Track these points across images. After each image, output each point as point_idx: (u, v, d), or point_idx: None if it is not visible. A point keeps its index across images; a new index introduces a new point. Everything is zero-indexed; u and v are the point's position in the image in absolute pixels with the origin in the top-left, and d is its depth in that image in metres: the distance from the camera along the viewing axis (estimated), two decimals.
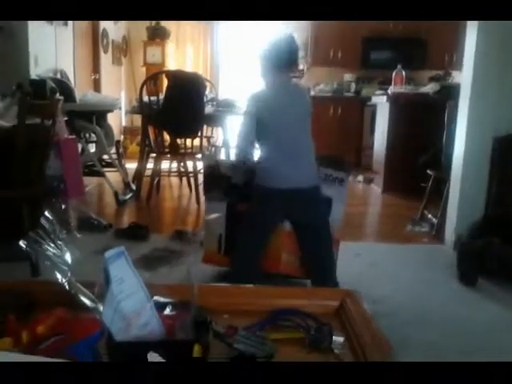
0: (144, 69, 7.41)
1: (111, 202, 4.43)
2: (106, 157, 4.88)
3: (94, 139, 4.71)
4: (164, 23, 7.45)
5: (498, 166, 3.26)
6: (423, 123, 4.67)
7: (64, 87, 4.27)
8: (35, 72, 4.57)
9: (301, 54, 7.29)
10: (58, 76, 4.99)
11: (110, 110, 4.92)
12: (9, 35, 4.33)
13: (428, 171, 3.89)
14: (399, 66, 5.59)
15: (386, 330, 1.03)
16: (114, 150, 4.99)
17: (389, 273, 2.98)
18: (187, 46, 7.91)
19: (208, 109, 4.69)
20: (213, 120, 4.91)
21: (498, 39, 3.18)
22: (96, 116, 4.50)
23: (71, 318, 0.92)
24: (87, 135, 4.74)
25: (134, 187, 4.76)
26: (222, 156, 5.02)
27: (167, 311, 0.97)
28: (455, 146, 3.45)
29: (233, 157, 2.76)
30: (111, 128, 4.96)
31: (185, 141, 4.53)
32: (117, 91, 7.28)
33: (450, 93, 4.11)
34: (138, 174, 4.77)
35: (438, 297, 2.65)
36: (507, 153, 3.23)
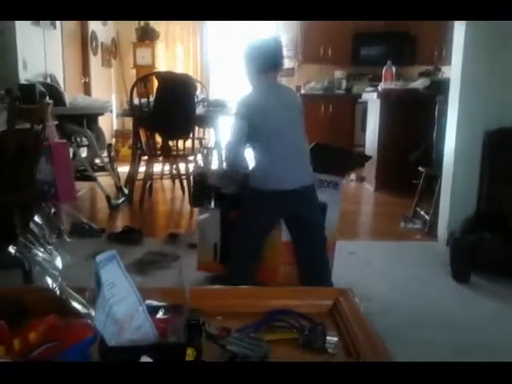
0: (134, 71, 7.39)
1: (104, 207, 4.41)
2: (97, 161, 4.86)
3: (86, 143, 4.69)
4: (153, 24, 7.44)
5: (488, 161, 3.28)
6: (414, 119, 4.68)
7: (53, 91, 4.25)
8: (24, 76, 4.55)
9: (290, 52, 7.36)
10: (48, 80, 4.97)
11: (101, 113, 4.90)
12: None
13: (419, 168, 3.90)
14: (389, 62, 5.61)
15: (379, 328, 1.03)
16: (105, 154, 4.97)
17: (382, 271, 2.99)
18: (177, 47, 7.90)
19: (199, 110, 4.67)
20: (204, 121, 4.90)
21: (486, 34, 3.20)
22: (87, 119, 4.48)
23: (63, 324, 0.91)
24: (78, 139, 4.72)
25: (126, 191, 4.74)
26: (215, 158, 5.02)
27: (160, 315, 0.97)
28: (446, 141, 3.46)
29: (223, 162, 2.74)
30: (102, 131, 4.94)
31: (177, 143, 4.52)
32: (107, 94, 7.25)
33: (439, 88, 4.13)
34: (131, 178, 4.75)
35: (431, 294, 2.66)
36: (498, 147, 3.25)
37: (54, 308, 0.93)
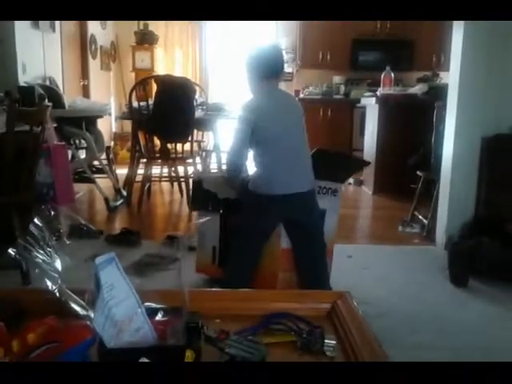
0: (133, 74, 7.40)
1: (102, 209, 4.41)
2: (96, 163, 4.86)
3: (84, 145, 4.69)
4: (152, 28, 7.45)
5: (486, 166, 3.29)
6: (412, 124, 4.69)
7: (52, 93, 4.25)
8: (23, 79, 4.55)
9: (289, 56, 7.38)
10: (47, 83, 4.98)
11: (100, 116, 4.90)
12: None
13: (418, 172, 3.91)
14: (387, 68, 5.62)
15: (377, 331, 1.03)
16: (104, 156, 4.97)
17: (380, 274, 2.99)
18: (176, 51, 7.91)
19: (198, 113, 4.68)
20: (203, 124, 4.90)
21: (484, 40, 3.21)
22: (85, 122, 4.48)
23: (62, 326, 0.91)
24: (77, 141, 4.72)
25: (124, 193, 4.74)
26: (213, 161, 5.02)
27: (159, 317, 0.97)
28: (444, 146, 3.47)
29: (223, 166, 2.74)
30: (101, 134, 4.95)
31: (175, 146, 4.52)
32: (106, 97, 7.26)
33: (438, 93, 4.14)
34: (129, 180, 4.76)
35: (429, 298, 2.67)
36: (495, 152, 3.26)
37: (53, 310, 0.94)
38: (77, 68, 6.52)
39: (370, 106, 5.59)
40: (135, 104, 4.44)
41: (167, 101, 4.22)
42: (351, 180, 5.88)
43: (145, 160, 4.58)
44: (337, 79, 7.54)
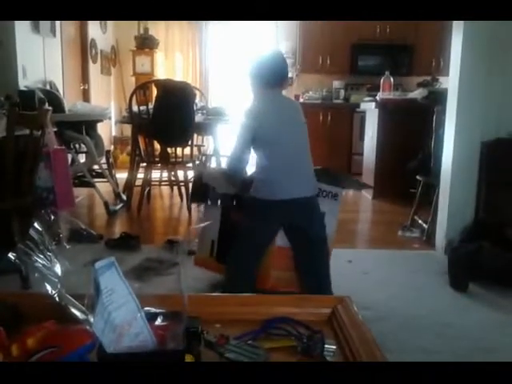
0: (133, 78, 7.41)
1: (102, 213, 4.41)
2: (96, 167, 4.87)
3: (84, 150, 4.69)
4: (152, 32, 7.47)
5: (486, 171, 3.29)
6: (412, 129, 4.69)
7: (53, 98, 4.26)
8: (24, 83, 4.56)
9: (289, 61, 7.39)
10: (47, 87, 4.98)
11: (100, 120, 4.91)
12: None
13: (417, 177, 3.91)
14: (387, 73, 5.63)
15: (377, 335, 1.03)
16: (104, 161, 4.98)
17: (380, 279, 2.99)
18: (176, 55, 7.93)
19: (198, 117, 4.69)
20: (203, 128, 4.91)
21: (483, 44, 3.22)
22: (86, 126, 4.49)
23: (62, 331, 0.91)
24: (77, 146, 4.73)
25: (124, 197, 4.75)
26: (213, 164, 5.03)
27: (158, 321, 0.97)
28: (444, 151, 3.47)
29: (223, 166, 2.76)
30: (101, 138, 4.96)
31: (175, 150, 4.53)
32: (106, 101, 7.27)
33: (437, 98, 4.14)
34: (129, 184, 4.76)
35: (429, 302, 2.66)
36: (495, 157, 3.26)
37: (53, 314, 0.93)
38: (77, 72, 6.53)
39: (370, 111, 5.60)
40: (135, 108, 4.45)
41: (167, 105, 4.23)
42: None
43: (145, 164, 4.59)
44: (336, 84, 7.56)
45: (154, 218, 4.67)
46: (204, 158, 5.41)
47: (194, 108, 4.54)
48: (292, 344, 1.03)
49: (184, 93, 4.32)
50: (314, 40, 7.25)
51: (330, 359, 0.98)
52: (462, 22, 3.23)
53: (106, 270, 0.89)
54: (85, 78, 6.71)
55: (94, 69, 6.92)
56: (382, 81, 5.63)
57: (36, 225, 1.00)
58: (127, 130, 6.53)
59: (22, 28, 4.61)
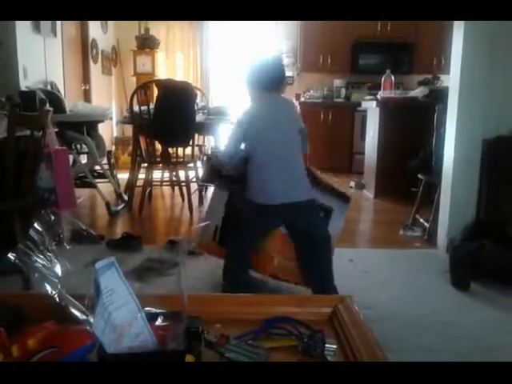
0: (134, 78, 7.41)
1: (103, 213, 4.41)
2: (97, 168, 4.87)
3: (86, 150, 4.70)
4: (153, 32, 7.47)
5: (488, 169, 3.28)
6: (413, 127, 4.69)
7: (54, 98, 4.26)
8: (24, 84, 4.56)
9: (290, 60, 7.40)
10: (48, 87, 4.99)
11: (101, 121, 4.91)
12: None
13: (419, 175, 3.91)
14: (388, 71, 5.63)
15: (379, 335, 1.03)
16: (105, 161, 4.98)
17: (382, 278, 2.98)
18: (177, 55, 7.93)
19: (199, 117, 4.69)
20: (204, 128, 4.91)
21: (484, 42, 3.21)
22: (87, 127, 4.48)
23: (62, 331, 0.91)
24: (78, 146, 4.73)
25: (126, 198, 4.75)
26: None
27: (159, 322, 0.97)
28: (445, 149, 3.47)
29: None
30: (102, 138, 4.95)
31: (176, 150, 4.53)
32: (107, 101, 7.28)
33: (438, 96, 4.14)
34: (130, 185, 4.76)
35: (430, 301, 2.66)
36: (496, 155, 3.26)
37: (53, 315, 0.93)
38: (78, 72, 6.53)
39: (371, 110, 5.60)
40: (136, 108, 4.45)
41: (168, 105, 4.23)
42: (352, 184, 5.89)
43: (146, 164, 4.59)
44: (337, 83, 7.56)
45: (156, 219, 4.68)
46: (205, 158, 5.40)
47: (195, 108, 4.54)
48: (293, 344, 1.03)
49: (185, 93, 4.32)
50: (315, 39, 7.25)
51: (331, 359, 0.98)
52: (462, 21, 3.22)
53: (106, 270, 0.89)
54: (86, 78, 6.71)
55: (94, 69, 6.92)
56: (382, 79, 5.63)
57: (36, 225, 1.00)
58: (128, 130, 6.53)
59: (22, 28, 4.61)
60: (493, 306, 2.59)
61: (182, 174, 4.76)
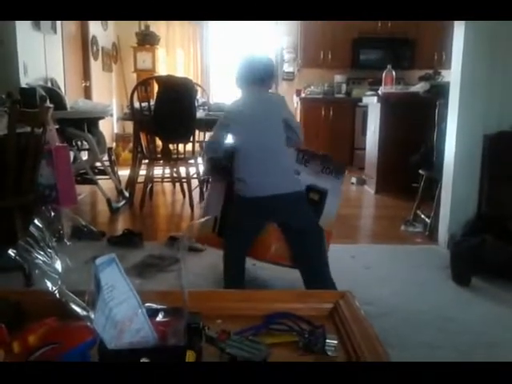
0: (135, 75, 7.40)
1: (104, 210, 4.41)
2: (98, 164, 4.87)
3: (86, 147, 4.70)
4: (153, 28, 7.46)
5: (489, 164, 3.27)
6: (414, 122, 4.68)
7: (54, 95, 4.26)
8: (25, 81, 4.56)
9: (291, 56, 7.39)
10: (49, 84, 4.98)
11: (102, 117, 4.91)
12: None
13: (420, 171, 3.90)
14: (389, 66, 5.61)
15: (379, 330, 1.03)
16: (106, 158, 4.98)
17: (383, 274, 2.98)
18: (177, 51, 7.91)
19: (199, 113, 4.68)
20: (205, 125, 4.90)
21: (486, 37, 3.20)
22: (87, 123, 4.49)
23: (63, 327, 0.91)
24: (79, 143, 4.73)
25: (127, 194, 4.75)
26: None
27: (159, 317, 0.97)
28: (446, 144, 3.46)
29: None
30: (103, 135, 4.95)
31: (177, 146, 4.53)
32: (108, 98, 7.27)
33: (439, 92, 4.12)
34: (131, 181, 4.76)
35: (432, 297, 2.66)
36: (498, 150, 3.25)
37: (54, 311, 0.94)
38: (78, 69, 6.53)
39: (372, 105, 5.59)
40: (137, 105, 4.44)
41: (169, 101, 4.22)
42: (354, 179, 5.88)
43: (147, 161, 4.59)
44: (338, 78, 7.54)
45: (157, 215, 4.68)
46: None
47: (196, 104, 4.53)
48: (293, 339, 1.03)
49: (185, 89, 4.32)
50: (315, 35, 7.23)
51: (332, 354, 0.98)
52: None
53: (106, 266, 0.89)
54: (86, 74, 6.71)
55: (95, 66, 6.91)
56: (383, 75, 5.61)
57: (37, 221, 1.00)
58: (129, 127, 6.52)
59: (22, 25, 4.60)
60: (494, 302, 2.59)
61: (182, 170, 4.76)
